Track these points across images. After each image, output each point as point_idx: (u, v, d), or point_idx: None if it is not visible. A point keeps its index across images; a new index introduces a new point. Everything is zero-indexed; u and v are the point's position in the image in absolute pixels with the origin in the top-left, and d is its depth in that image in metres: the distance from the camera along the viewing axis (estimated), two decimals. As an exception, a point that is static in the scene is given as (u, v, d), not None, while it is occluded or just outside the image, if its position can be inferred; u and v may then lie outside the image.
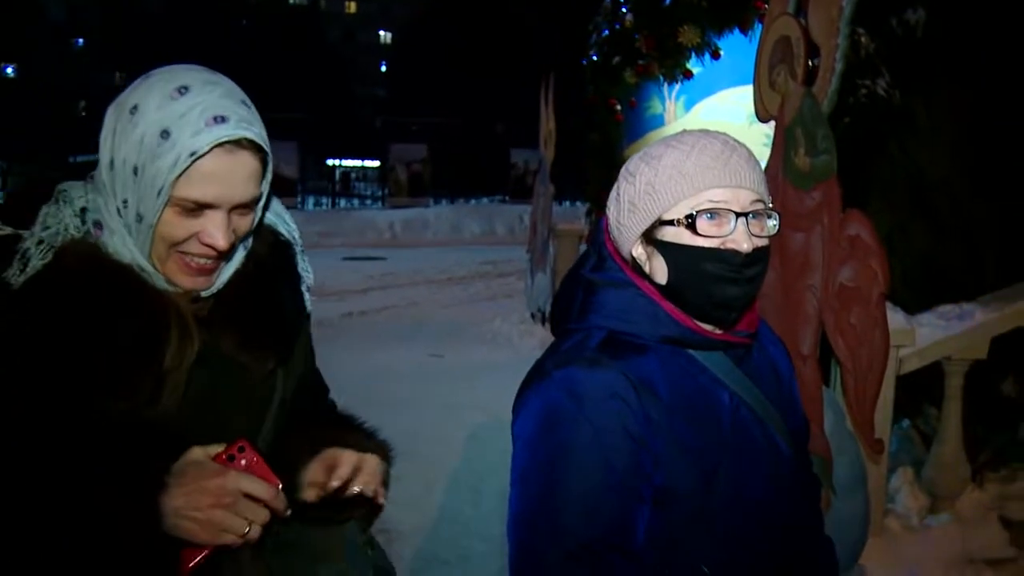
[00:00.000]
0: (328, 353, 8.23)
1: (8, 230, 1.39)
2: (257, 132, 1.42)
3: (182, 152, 1.35)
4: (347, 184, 34.87)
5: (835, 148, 2.94)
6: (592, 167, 6.95)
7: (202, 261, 1.43)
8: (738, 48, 5.45)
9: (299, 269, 1.63)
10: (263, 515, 1.35)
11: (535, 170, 12.89)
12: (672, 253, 1.52)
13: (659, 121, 6.76)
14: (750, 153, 1.54)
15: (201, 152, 1.36)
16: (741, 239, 1.47)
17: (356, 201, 30.70)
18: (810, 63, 3.07)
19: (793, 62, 3.18)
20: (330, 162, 38.13)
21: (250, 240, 1.53)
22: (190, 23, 48.56)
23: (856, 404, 3.15)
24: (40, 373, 1.33)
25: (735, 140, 1.55)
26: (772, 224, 1.52)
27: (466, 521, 4.69)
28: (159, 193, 1.37)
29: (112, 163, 1.40)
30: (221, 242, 1.40)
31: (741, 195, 1.49)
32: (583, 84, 7.17)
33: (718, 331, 1.56)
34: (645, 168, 1.53)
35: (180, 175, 1.36)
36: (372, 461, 1.55)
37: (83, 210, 1.43)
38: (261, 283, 1.53)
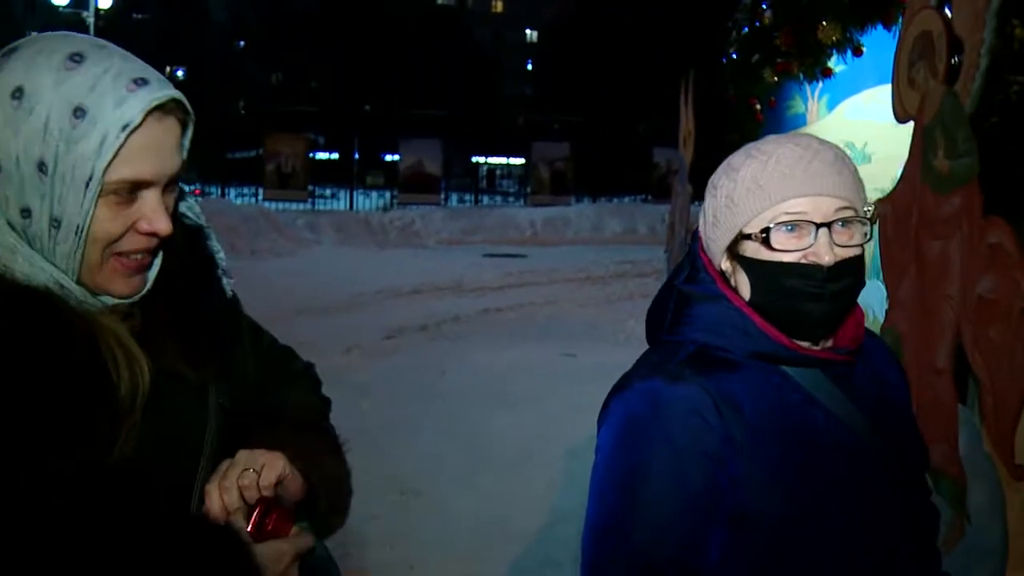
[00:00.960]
0: (462, 348, 8.43)
1: None
2: (177, 91, 1.22)
3: (110, 129, 1.13)
4: (492, 181, 35.26)
5: (977, 150, 2.76)
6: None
7: (139, 257, 1.23)
8: (883, 45, 5.20)
9: (212, 252, 1.42)
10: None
11: (675, 170, 12.70)
12: (753, 268, 1.46)
13: (801, 121, 6.53)
14: (837, 156, 1.45)
15: (136, 123, 1.15)
16: (822, 251, 1.40)
17: (498, 198, 31.01)
18: (953, 60, 2.89)
19: (934, 58, 3.00)
20: (475, 159, 38.63)
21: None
22: (342, 24, 50.01)
23: (995, 425, 2.94)
24: None
25: (820, 143, 1.46)
26: (864, 231, 1.43)
27: (582, 524, 4.65)
28: (87, 185, 1.14)
29: None
30: (164, 226, 1.21)
31: (823, 203, 1.41)
32: (723, 83, 6.99)
33: (814, 347, 1.48)
34: (726, 180, 1.48)
35: (113, 157, 1.15)
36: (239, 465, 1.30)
37: None
38: (186, 281, 1.33)
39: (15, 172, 1.14)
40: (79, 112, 1.12)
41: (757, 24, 5.91)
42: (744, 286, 1.49)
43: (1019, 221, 2.90)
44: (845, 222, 1.42)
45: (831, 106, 6.11)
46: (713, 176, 1.53)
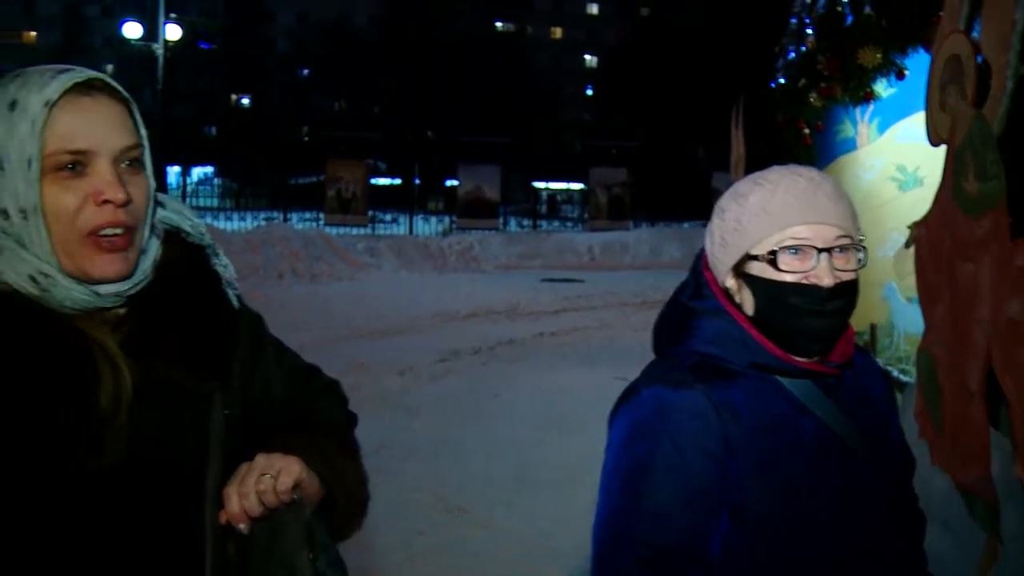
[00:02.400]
0: (515, 371, 8.51)
1: None
2: (107, 77, 1.32)
3: (35, 109, 1.24)
4: (551, 206, 35.35)
5: (1004, 173, 2.78)
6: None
7: (112, 235, 1.28)
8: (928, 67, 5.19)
9: (216, 268, 1.48)
10: None
11: (729, 194, 12.65)
12: (758, 286, 1.59)
13: (851, 145, 6.52)
14: (835, 188, 1.59)
15: (54, 99, 1.25)
16: (823, 274, 1.54)
17: (556, 223, 31.09)
18: (982, 82, 2.92)
19: (964, 82, 3.03)
20: (534, 184, 38.78)
21: (161, 231, 1.40)
22: (403, 51, 50.64)
23: (1027, 447, 2.94)
24: None
25: (821, 175, 1.61)
26: (860, 258, 1.57)
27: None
28: (29, 164, 1.24)
29: None
30: (118, 192, 1.26)
31: (824, 231, 1.55)
32: (772, 108, 7.01)
33: (807, 360, 1.59)
34: (734, 205, 1.62)
35: (42, 131, 1.24)
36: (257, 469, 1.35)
37: None
38: (181, 295, 1.39)
39: None
40: (12, 105, 1.25)
41: (803, 49, 5.96)
42: (748, 302, 1.62)
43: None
44: (843, 248, 1.56)
45: (882, 129, 6.10)
46: (720, 201, 1.67)
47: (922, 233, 3.45)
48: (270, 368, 1.55)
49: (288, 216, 25.14)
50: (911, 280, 3.72)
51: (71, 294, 1.27)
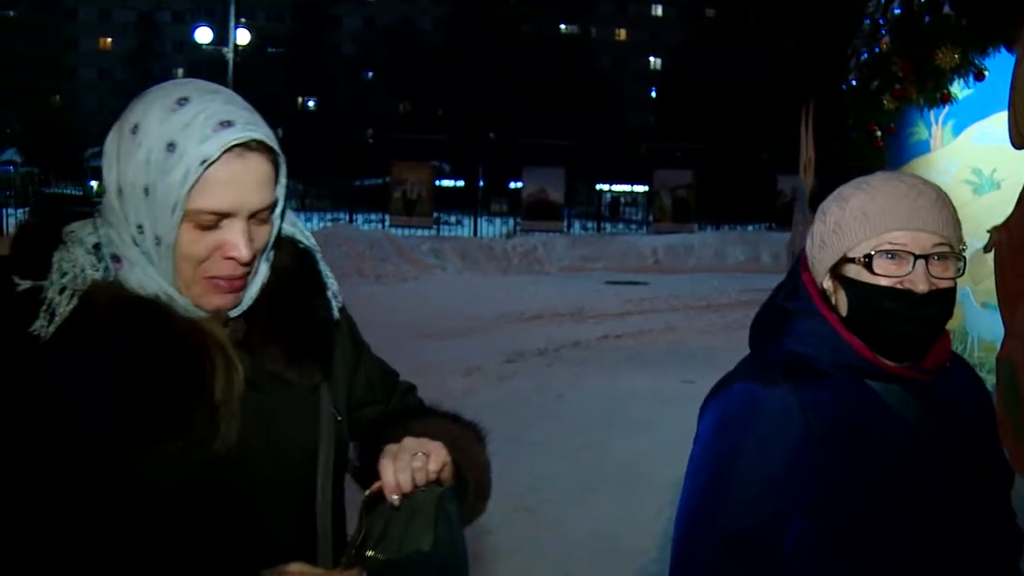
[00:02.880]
0: (580, 373, 8.53)
1: (27, 283, 1.32)
2: (266, 133, 1.36)
3: (192, 162, 1.28)
4: (615, 209, 35.23)
5: (1089, 177, 2.74)
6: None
7: (226, 280, 1.37)
8: (1009, 68, 5.09)
9: (322, 272, 1.57)
10: None
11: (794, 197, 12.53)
12: (853, 288, 1.62)
13: (924, 147, 6.40)
14: (939, 196, 1.60)
15: (212, 159, 1.29)
16: (918, 280, 1.56)
17: (620, 226, 30.99)
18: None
19: (1049, 85, 2.99)
20: (598, 187, 38.66)
21: (271, 253, 1.47)
22: (467, 54, 50.85)
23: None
24: (84, 425, 1.27)
25: (924, 183, 1.62)
26: (959, 267, 1.58)
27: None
28: (173, 210, 1.30)
29: (120, 190, 1.33)
30: (244, 253, 1.34)
31: (922, 238, 1.57)
32: (843, 110, 6.92)
33: (897, 364, 1.60)
34: (836, 208, 1.65)
35: (193, 186, 1.29)
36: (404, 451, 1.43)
37: (96, 247, 1.36)
38: (291, 295, 1.48)
39: (132, 194, 1.32)
40: (171, 146, 1.29)
41: (876, 50, 5.88)
42: (843, 304, 1.65)
43: None
44: (941, 256, 1.58)
45: (957, 131, 5.98)
46: (823, 203, 1.71)
47: (1003, 237, 3.40)
48: (368, 368, 1.67)
49: (353, 217, 25.43)
50: (986, 285, 3.67)
51: (188, 310, 1.37)
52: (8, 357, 1.28)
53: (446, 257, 20.58)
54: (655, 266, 22.21)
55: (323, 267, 1.58)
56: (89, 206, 1.44)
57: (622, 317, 14.08)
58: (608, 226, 30.51)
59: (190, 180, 1.29)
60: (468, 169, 40.19)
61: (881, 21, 5.93)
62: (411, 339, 10.89)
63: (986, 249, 3.69)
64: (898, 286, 1.57)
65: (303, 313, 1.50)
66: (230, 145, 1.30)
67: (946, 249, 1.58)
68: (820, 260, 1.68)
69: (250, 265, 1.38)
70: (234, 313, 1.42)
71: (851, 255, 1.61)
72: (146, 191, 1.30)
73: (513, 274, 20.17)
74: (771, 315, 1.74)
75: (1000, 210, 3.57)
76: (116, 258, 1.35)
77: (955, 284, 1.59)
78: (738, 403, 1.63)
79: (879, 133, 6.25)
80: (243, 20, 28.97)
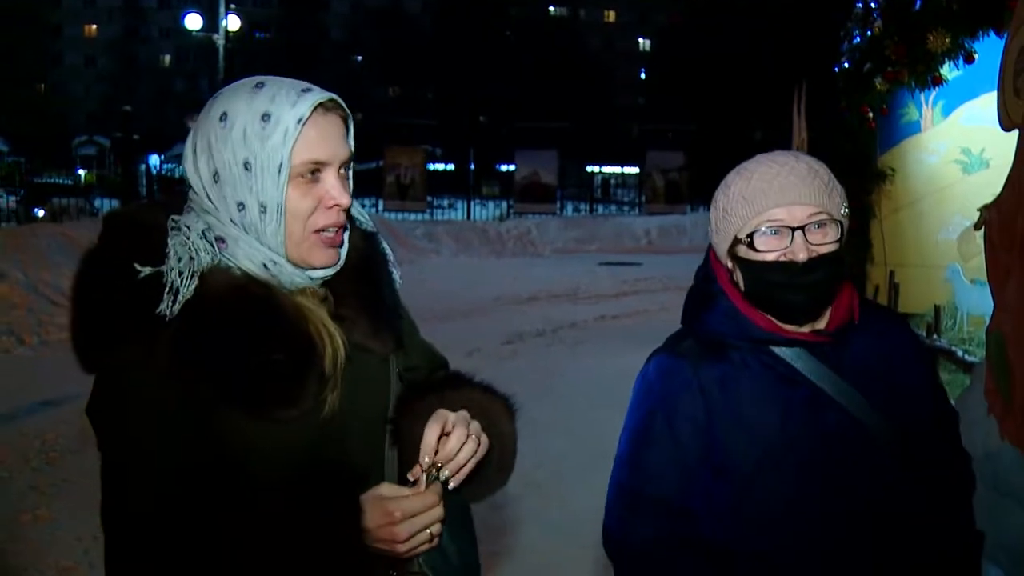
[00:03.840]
0: (579, 353, 8.63)
1: (148, 270, 1.42)
2: (336, 96, 1.52)
3: (289, 123, 1.44)
4: (607, 190, 35.27)
5: (1074, 158, 2.88)
6: (844, 176, 6.81)
7: (332, 232, 1.52)
8: (997, 50, 5.22)
9: (384, 251, 1.72)
10: (435, 524, 1.46)
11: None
12: (744, 266, 1.80)
13: (915, 128, 6.51)
14: (810, 168, 1.77)
15: (306, 116, 1.45)
16: (798, 250, 1.73)
17: (613, 208, 31.07)
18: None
19: (1037, 69, 3.13)
20: (590, 168, 38.65)
21: (349, 229, 1.61)
22: (456, 39, 50.63)
23: (1098, 420, 3.04)
24: (217, 393, 1.42)
25: (796, 158, 1.79)
26: (839, 231, 1.75)
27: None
28: (279, 169, 1.45)
29: (216, 174, 1.47)
30: (345, 198, 1.50)
31: (796, 211, 1.74)
32: (835, 92, 7.03)
33: (799, 330, 1.79)
34: (721, 195, 1.84)
35: (294, 144, 1.45)
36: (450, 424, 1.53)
37: (203, 233, 1.49)
38: (368, 272, 1.64)
39: (229, 175, 1.46)
40: (265, 117, 1.45)
41: (869, 33, 6.00)
42: (742, 281, 1.83)
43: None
44: (819, 224, 1.74)
45: (946, 112, 6.11)
46: (716, 191, 1.88)
47: (992, 215, 3.54)
48: (418, 339, 1.83)
49: (347, 202, 25.38)
50: (975, 262, 3.81)
51: (293, 278, 1.52)
52: (140, 337, 1.41)
53: (440, 241, 20.68)
54: (648, 247, 22.37)
55: (384, 245, 1.73)
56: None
57: (617, 298, 14.25)
58: (600, 208, 30.61)
59: (291, 138, 1.45)
60: (459, 152, 40.19)
61: (873, 5, 6.05)
62: (410, 322, 10.98)
63: (976, 227, 3.84)
64: (781, 258, 1.73)
65: (379, 288, 1.65)
66: (317, 103, 1.47)
67: (823, 217, 1.73)
68: (718, 244, 1.86)
69: (345, 220, 1.54)
70: (331, 273, 1.55)
71: (739, 236, 1.78)
72: (246, 165, 1.45)
73: (507, 257, 20.30)
74: (692, 296, 1.93)
75: (989, 189, 3.70)
76: (220, 239, 1.49)
77: (839, 247, 1.75)
78: (653, 375, 1.85)
79: (871, 114, 6.37)
80: (232, 6, 28.86)
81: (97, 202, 24.85)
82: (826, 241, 1.73)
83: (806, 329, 1.79)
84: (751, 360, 1.79)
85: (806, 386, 1.77)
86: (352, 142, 1.56)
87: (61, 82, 70.75)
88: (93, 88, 70.14)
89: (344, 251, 1.58)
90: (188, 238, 1.47)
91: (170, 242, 1.46)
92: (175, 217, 1.51)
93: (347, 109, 1.54)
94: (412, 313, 1.84)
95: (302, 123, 1.45)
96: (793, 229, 1.72)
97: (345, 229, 1.57)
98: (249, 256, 1.49)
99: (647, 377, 1.87)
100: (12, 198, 23.10)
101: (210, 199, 1.49)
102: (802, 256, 1.71)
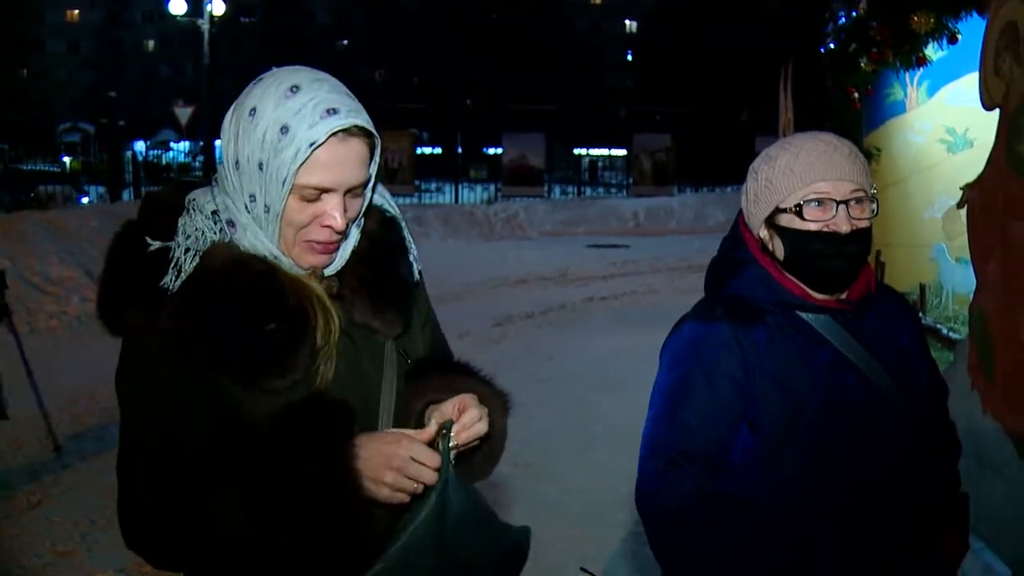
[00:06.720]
0: (568, 335, 8.69)
1: (158, 244, 1.53)
2: (365, 119, 1.55)
3: (302, 144, 1.49)
4: (594, 173, 35.28)
5: (1055, 137, 2.93)
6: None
7: (322, 244, 1.57)
8: (980, 31, 5.27)
9: (405, 238, 1.76)
10: (428, 476, 1.50)
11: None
12: (786, 235, 1.91)
13: (900, 108, 6.56)
14: (852, 150, 1.89)
15: (320, 142, 1.49)
16: (841, 222, 1.84)
17: (601, 190, 31.09)
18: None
19: (1019, 48, 3.18)
20: (577, 151, 38.62)
21: (362, 220, 1.66)
22: (442, 20, 50.40)
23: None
24: (210, 362, 1.49)
25: (839, 139, 1.90)
26: (873, 208, 1.87)
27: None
28: (283, 183, 1.51)
29: (238, 163, 1.54)
30: (339, 223, 1.54)
31: (842, 186, 1.85)
32: (822, 72, 7.07)
33: (827, 297, 1.90)
34: (765, 167, 1.92)
35: (301, 165, 1.49)
36: (467, 407, 1.59)
37: (214, 213, 1.57)
38: (377, 257, 1.69)
39: (247, 168, 1.54)
40: (284, 129, 1.50)
41: (854, 14, 6.05)
42: (779, 249, 1.93)
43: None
44: (858, 200, 1.86)
45: (931, 92, 6.15)
46: (753, 164, 1.98)
47: (975, 194, 3.60)
48: (433, 328, 1.87)
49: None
50: (960, 241, 3.87)
51: (292, 268, 1.60)
52: (144, 306, 1.51)
53: (429, 224, 20.68)
54: (636, 229, 22.41)
55: (407, 234, 1.78)
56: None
57: (605, 280, 14.30)
58: (588, 190, 30.64)
59: (299, 159, 1.50)
60: (446, 136, 40.13)
61: (858, -14, 6.09)
62: (400, 306, 11.02)
63: (959, 205, 3.90)
64: (825, 229, 1.84)
65: (387, 272, 1.70)
66: (335, 131, 1.51)
67: (861, 194, 1.86)
68: (755, 214, 1.95)
69: (343, 233, 1.59)
70: (328, 272, 1.63)
71: (783, 206, 1.88)
72: (260, 166, 1.52)
73: (496, 239, 20.33)
74: (719, 264, 2.02)
75: (973, 168, 3.76)
76: (231, 223, 1.57)
77: (871, 224, 1.88)
78: (686, 340, 1.93)
79: (856, 95, 6.42)
80: (216, -10, 28.61)
81: (85, 193, 24.69)
82: (863, 216, 1.86)
83: (832, 298, 1.91)
84: (784, 323, 1.89)
85: (830, 349, 1.88)
86: (375, 166, 1.60)
87: (44, 68, 70.26)
88: (76, 74, 69.64)
89: (341, 254, 1.64)
90: (195, 218, 1.56)
91: (180, 221, 1.56)
92: (191, 195, 1.60)
93: (375, 134, 1.57)
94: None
95: (313, 147, 1.49)
96: (838, 203, 1.83)
97: (343, 240, 1.62)
98: (254, 245, 1.57)
99: (681, 339, 1.94)
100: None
101: (231, 182, 1.57)
102: (845, 228, 1.83)
